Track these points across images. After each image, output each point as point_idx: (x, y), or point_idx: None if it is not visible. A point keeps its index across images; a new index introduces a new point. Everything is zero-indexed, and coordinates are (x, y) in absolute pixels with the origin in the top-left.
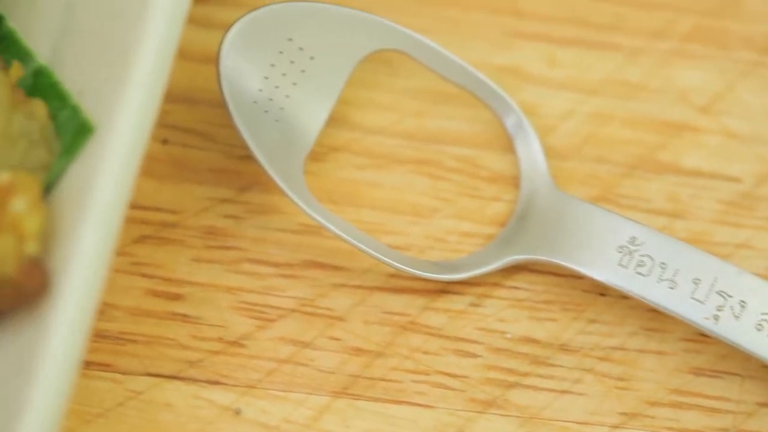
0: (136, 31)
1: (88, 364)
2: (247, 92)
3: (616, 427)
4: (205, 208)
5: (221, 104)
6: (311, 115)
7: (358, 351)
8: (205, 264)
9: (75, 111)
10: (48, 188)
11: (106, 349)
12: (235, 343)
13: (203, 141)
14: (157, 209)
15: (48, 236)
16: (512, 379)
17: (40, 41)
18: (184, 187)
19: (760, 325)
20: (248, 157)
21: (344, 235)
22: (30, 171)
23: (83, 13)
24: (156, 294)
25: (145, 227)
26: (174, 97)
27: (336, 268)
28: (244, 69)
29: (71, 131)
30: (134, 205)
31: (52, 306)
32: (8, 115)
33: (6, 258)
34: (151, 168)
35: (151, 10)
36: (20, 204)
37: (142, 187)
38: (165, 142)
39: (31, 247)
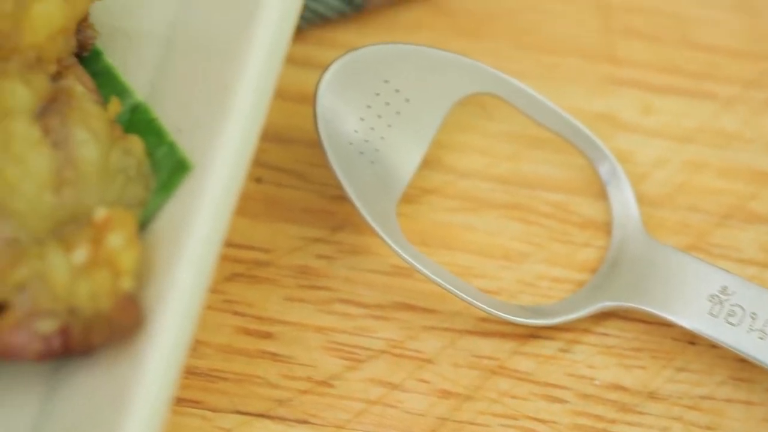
0: (235, 70)
1: (178, 401)
2: (342, 133)
3: None
4: (298, 248)
5: (316, 144)
6: (405, 157)
7: (447, 394)
8: (296, 303)
9: (172, 148)
10: (144, 225)
11: (196, 386)
12: (324, 383)
13: (297, 180)
14: (250, 248)
15: (143, 272)
16: (600, 425)
17: (138, 77)
18: (277, 226)
19: None
20: (342, 198)
21: (436, 278)
22: (126, 207)
23: (182, 51)
24: (247, 332)
25: (237, 265)
26: (269, 136)
27: (426, 310)
28: (340, 110)
29: (168, 168)
30: (227, 243)
31: (146, 342)
32: (106, 151)
33: (102, 293)
34: (245, 206)
35: (250, 49)
36: (116, 240)
37: (235, 225)
38: (259, 180)
39: (127, 283)
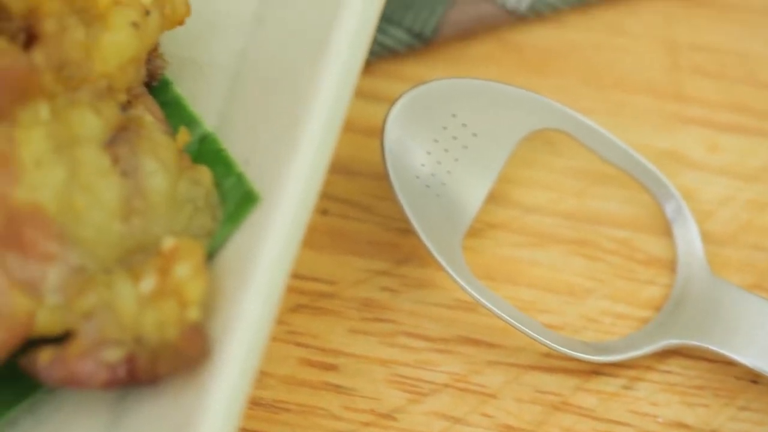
0: (304, 102)
1: (242, 431)
2: (409, 166)
3: None
4: (362, 280)
5: (383, 177)
6: (472, 192)
7: (510, 429)
8: (360, 335)
9: (240, 179)
10: (211, 255)
11: (260, 417)
12: (387, 416)
13: (363, 213)
14: (315, 279)
15: (209, 303)
16: None
17: (207, 107)
18: (342, 258)
19: None
20: (407, 231)
21: (500, 313)
22: (194, 237)
23: (251, 81)
24: (311, 364)
25: (301, 297)
26: (335, 168)
27: (490, 345)
28: (407, 143)
29: (236, 199)
30: (292, 275)
31: (212, 373)
32: (175, 181)
33: (168, 323)
34: (310, 238)
35: (320, 81)
36: (184, 270)
37: (300, 257)
38: (325, 212)
39: (193, 314)
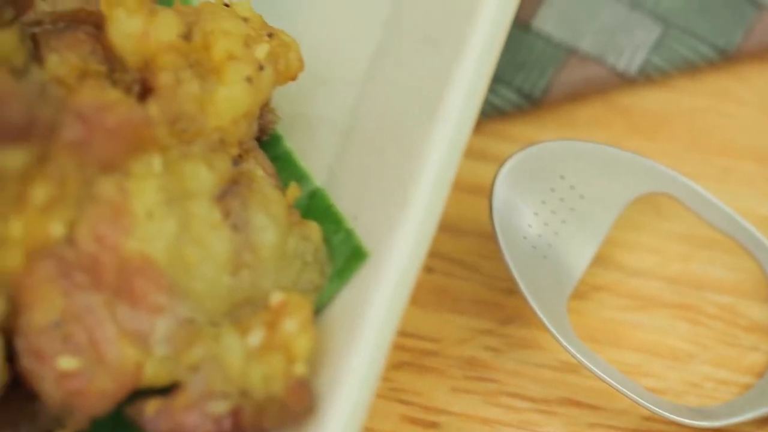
0: (415, 161)
1: None
2: (517, 227)
3: None
4: (466, 339)
5: (489, 236)
6: (577, 254)
7: None
8: (462, 394)
9: (349, 235)
10: (318, 310)
11: None
12: None
13: (468, 271)
14: (419, 337)
15: (316, 358)
16: None
17: (317, 163)
18: (446, 317)
19: None
20: (511, 291)
21: (603, 375)
22: (302, 292)
23: (361, 138)
24: (413, 421)
25: (405, 354)
26: (442, 226)
27: (592, 407)
28: (516, 203)
29: (344, 255)
30: (396, 332)
31: (317, 428)
32: (284, 236)
33: (275, 377)
34: (415, 295)
35: (431, 140)
36: (292, 325)
37: (404, 314)
38: (430, 270)
39: (300, 369)
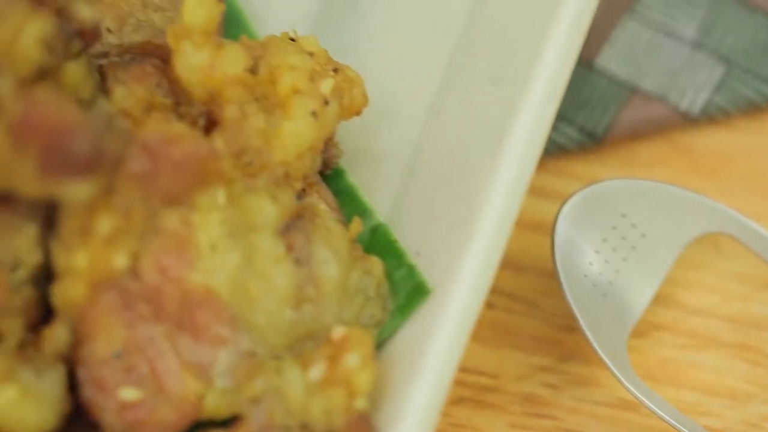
0: (478, 197)
1: None
2: (578, 264)
3: None
4: (525, 375)
5: (549, 273)
6: (638, 292)
7: None
8: (521, 430)
9: (411, 271)
10: (379, 345)
11: None
12: None
13: (528, 308)
14: (478, 372)
15: (377, 393)
16: None
17: (380, 198)
18: (505, 353)
19: None
20: (571, 328)
21: (662, 414)
22: (364, 327)
23: (424, 174)
24: None
25: (464, 389)
26: (502, 262)
27: None
28: (577, 241)
29: (406, 291)
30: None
31: None
32: (347, 271)
33: (335, 412)
34: (475, 331)
35: (495, 177)
36: (353, 359)
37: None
38: (490, 306)
39: (361, 403)
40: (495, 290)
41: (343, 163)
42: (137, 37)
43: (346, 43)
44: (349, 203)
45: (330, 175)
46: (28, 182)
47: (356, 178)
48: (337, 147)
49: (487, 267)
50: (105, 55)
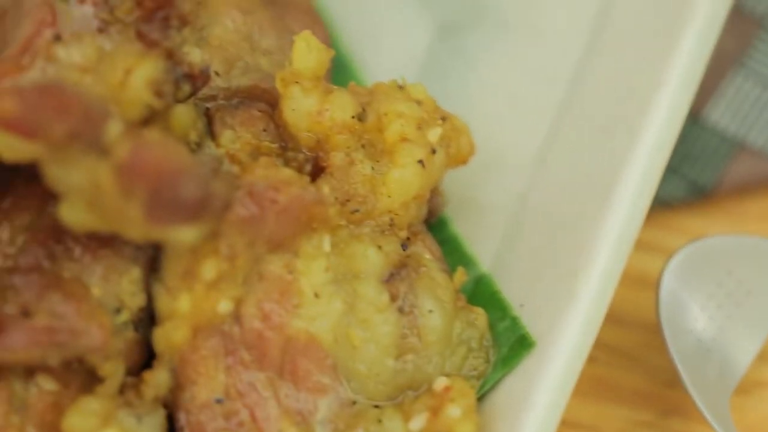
0: (584, 251)
1: None
2: (682, 320)
3: None
4: (625, 430)
5: (653, 328)
6: (742, 349)
7: None
8: None
9: (515, 323)
10: (481, 397)
11: None
12: None
13: (630, 362)
14: (578, 426)
15: None
16: None
17: (484, 248)
18: (606, 407)
19: None
20: (673, 383)
21: None
22: (466, 378)
23: (529, 225)
24: None
25: None
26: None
27: None
28: (682, 297)
29: (510, 343)
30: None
31: None
32: (450, 321)
33: None
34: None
35: (601, 231)
36: (455, 411)
37: None
38: (592, 359)
39: None
40: (596, 343)
41: (448, 212)
42: (245, 81)
43: (453, 91)
44: (453, 253)
45: (434, 223)
46: (135, 226)
47: (461, 227)
48: (442, 196)
49: (592, 322)
50: (212, 98)
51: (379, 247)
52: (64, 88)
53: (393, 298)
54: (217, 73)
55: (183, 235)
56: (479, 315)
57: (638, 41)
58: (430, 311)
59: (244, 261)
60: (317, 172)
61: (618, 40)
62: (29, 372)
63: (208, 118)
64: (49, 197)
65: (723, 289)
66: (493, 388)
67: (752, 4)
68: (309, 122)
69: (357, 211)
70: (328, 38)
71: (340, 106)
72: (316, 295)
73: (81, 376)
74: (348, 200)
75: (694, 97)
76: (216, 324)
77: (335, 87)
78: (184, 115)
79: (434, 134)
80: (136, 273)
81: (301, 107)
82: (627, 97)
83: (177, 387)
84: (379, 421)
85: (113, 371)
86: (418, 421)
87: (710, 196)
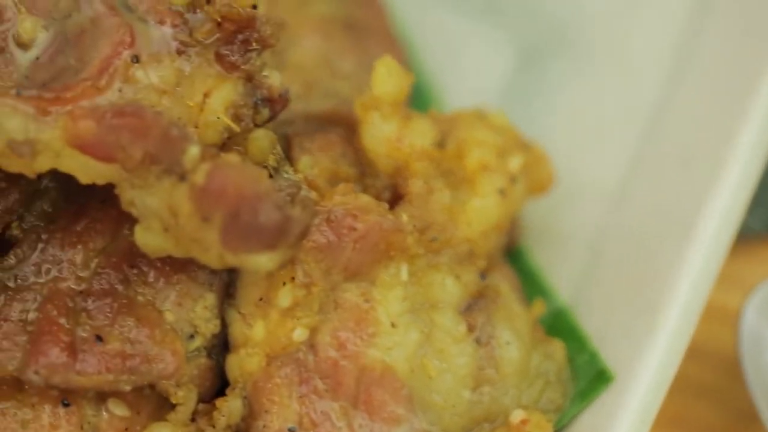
0: (665, 286)
1: None
2: (763, 355)
3: None
4: None
5: (732, 362)
6: None
7: None
8: None
9: (593, 357)
10: (557, 431)
11: None
12: None
13: (708, 397)
14: None
15: None
16: None
17: (562, 280)
18: None
19: None
20: (753, 418)
21: None
22: (542, 411)
23: (609, 258)
24: None
25: None
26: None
27: None
28: (763, 332)
29: (588, 377)
30: None
31: None
32: (528, 353)
33: None
34: None
35: (683, 266)
36: None
37: None
38: (669, 394)
39: None
40: (675, 377)
41: (526, 243)
42: (324, 105)
43: (533, 119)
44: (531, 284)
45: (512, 254)
46: (211, 251)
47: (539, 258)
48: (520, 226)
49: (672, 357)
50: (291, 123)
51: (458, 277)
52: (142, 111)
53: (470, 328)
54: (295, 97)
55: (261, 262)
56: (557, 347)
57: (722, 72)
58: (508, 343)
59: (321, 289)
60: (395, 199)
61: (702, 71)
62: (101, 397)
63: (287, 142)
64: (124, 220)
65: None
66: (570, 422)
67: None
68: (388, 149)
69: (435, 239)
70: (407, 63)
71: (420, 133)
72: (393, 325)
73: (153, 402)
74: (426, 228)
75: None
76: (290, 352)
77: (415, 113)
78: (262, 139)
79: (515, 163)
80: (210, 299)
81: (381, 133)
82: (711, 129)
83: (250, 415)
84: None
85: (186, 398)
86: None
87: None
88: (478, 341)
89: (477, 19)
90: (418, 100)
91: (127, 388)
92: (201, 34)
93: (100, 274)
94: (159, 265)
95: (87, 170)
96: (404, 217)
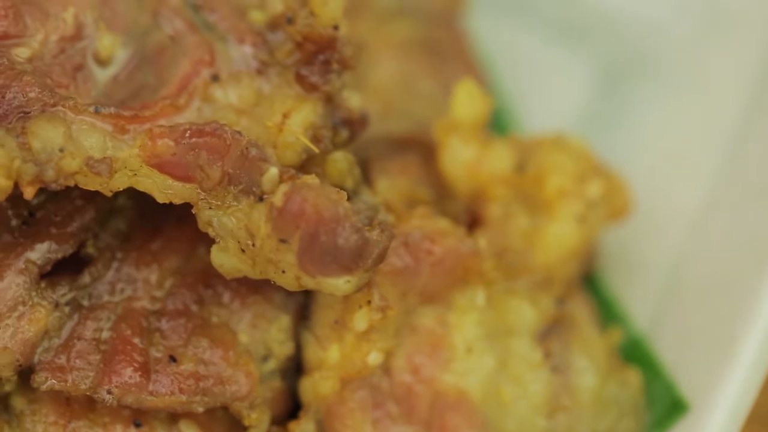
0: (743, 317)
1: None
2: None
3: None
4: None
5: None
6: None
7: None
8: None
9: (669, 386)
10: None
11: None
12: None
13: None
14: None
15: None
16: None
17: (638, 309)
18: None
19: None
20: None
21: None
22: None
23: (686, 286)
24: None
25: None
26: None
27: None
28: None
29: (663, 406)
30: None
31: None
32: (604, 381)
33: None
34: None
35: (762, 297)
36: None
37: None
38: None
39: None
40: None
41: (603, 270)
42: (402, 128)
43: (612, 144)
44: (607, 312)
45: (588, 281)
46: (288, 274)
47: (615, 286)
48: (597, 252)
49: (749, 387)
50: (369, 144)
51: (534, 303)
52: (222, 130)
53: (546, 355)
54: (374, 119)
55: (338, 285)
56: (633, 376)
57: None
58: (584, 370)
59: (397, 312)
60: (473, 223)
61: None
62: (173, 418)
63: (365, 164)
64: (200, 240)
65: None
66: None
67: None
68: (467, 172)
69: (512, 265)
70: (487, 86)
71: (499, 157)
72: (469, 350)
73: (225, 424)
74: (503, 254)
75: None
76: (365, 376)
77: (495, 137)
78: (341, 161)
79: (594, 189)
80: (285, 321)
81: (460, 157)
82: None
83: None
84: None
85: (258, 420)
86: None
87: None
88: (554, 368)
89: (557, 43)
90: (496, 123)
91: (200, 409)
92: (281, 54)
93: (174, 294)
94: (234, 285)
95: (164, 189)
96: (482, 242)
